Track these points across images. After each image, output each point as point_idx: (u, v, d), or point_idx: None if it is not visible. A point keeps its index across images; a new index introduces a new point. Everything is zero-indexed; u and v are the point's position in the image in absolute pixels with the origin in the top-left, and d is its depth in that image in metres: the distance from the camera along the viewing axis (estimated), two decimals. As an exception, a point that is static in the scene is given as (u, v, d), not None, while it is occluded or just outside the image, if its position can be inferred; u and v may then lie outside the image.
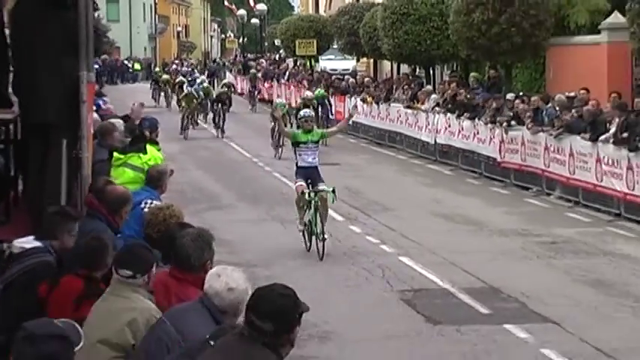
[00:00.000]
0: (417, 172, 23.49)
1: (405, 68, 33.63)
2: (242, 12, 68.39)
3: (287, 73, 44.47)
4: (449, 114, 23.97)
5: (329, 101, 30.59)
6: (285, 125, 21.78)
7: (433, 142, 24.88)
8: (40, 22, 7.63)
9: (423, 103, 26.06)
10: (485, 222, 16.68)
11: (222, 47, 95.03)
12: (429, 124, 25.14)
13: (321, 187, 14.12)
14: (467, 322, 10.84)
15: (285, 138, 20.96)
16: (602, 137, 17.27)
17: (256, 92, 43.37)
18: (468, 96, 23.59)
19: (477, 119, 22.42)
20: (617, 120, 17.08)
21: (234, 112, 32.11)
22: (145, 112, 14.66)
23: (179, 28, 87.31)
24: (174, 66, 53.74)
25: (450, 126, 23.87)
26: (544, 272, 13.23)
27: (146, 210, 7.53)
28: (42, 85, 7.59)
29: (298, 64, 48.15)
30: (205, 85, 35.61)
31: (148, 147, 9.43)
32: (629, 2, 19.45)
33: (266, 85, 45.15)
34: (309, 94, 29.37)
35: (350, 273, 13.16)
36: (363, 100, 29.56)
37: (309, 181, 14.21)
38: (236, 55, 78.12)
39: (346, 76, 36.07)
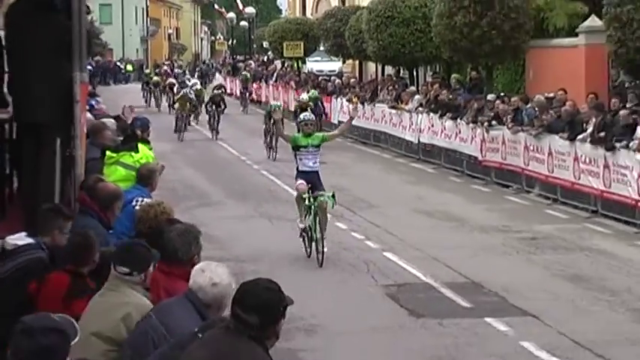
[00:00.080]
0: (401, 171, 23.61)
1: (389, 69, 33.60)
2: (231, 15, 68.46)
3: (275, 74, 44.49)
4: (432, 114, 24.12)
5: (322, 102, 30.73)
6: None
7: (417, 142, 25.02)
8: (33, 24, 7.68)
9: (406, 104, 26.20)
10: (467, 219, 16.78)
11: (212, 49, 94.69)
12: (412, 124, 25.29)
13: (321, 193, 13.60)
14: (449, 315, 10.95)
15: (279, 140, 20.48)
16: (580, 137, 17.43)
17: (248, 94, 43.40)
18: (450, 97, 23.69)
19: (458, 119, 22.57)
20: (594, 120, 17.23)
21: (226, 114, 32.10)
22: (136, 112, 14.76)
23: (170, 31, 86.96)
24: (165, 67, 53.41)
25: (432, 126, 24.01)
26: (524, 267, 13.35)
27: (137, 208, 7.54)
28: (36, 86, 7.60)
29: (286, 65, 48.13)
30: (198, 87, 35.35)
31: (140, 146, 9.33)
32: (605, 6, 19.53)
33: (254, 86, 45.23)
34: (304, 96, 29.26)
35: (336, 268, 13.26)
36: (349, 101, 29.67)
37: (310, 185, 13.69)
38: (225, 57, 78.13)
39: (332, 77, 36.22)
